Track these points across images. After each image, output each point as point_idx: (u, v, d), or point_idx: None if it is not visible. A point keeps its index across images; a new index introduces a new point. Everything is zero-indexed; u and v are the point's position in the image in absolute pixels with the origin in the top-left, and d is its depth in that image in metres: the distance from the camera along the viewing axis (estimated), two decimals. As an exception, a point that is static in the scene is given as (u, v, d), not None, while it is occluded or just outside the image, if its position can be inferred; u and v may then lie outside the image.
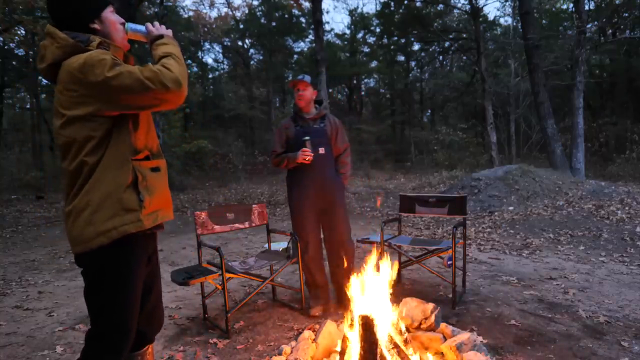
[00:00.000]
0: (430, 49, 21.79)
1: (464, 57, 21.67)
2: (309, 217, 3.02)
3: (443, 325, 2.32)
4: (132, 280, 1.42)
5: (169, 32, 1.53)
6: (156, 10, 14.57)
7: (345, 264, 3.08)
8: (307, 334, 2.26)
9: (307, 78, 3.03)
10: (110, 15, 1.46)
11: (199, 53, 24.16)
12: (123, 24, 1.49)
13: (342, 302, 2.98)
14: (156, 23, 1.55)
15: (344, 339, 1.89)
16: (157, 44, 1.47)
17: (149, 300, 1.60)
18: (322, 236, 3.15)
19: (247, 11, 21.86)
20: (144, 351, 1.65)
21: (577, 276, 3.76)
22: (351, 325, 1.89)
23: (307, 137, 2.91)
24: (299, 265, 3.03)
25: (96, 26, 1.43)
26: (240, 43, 23.03)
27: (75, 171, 1.35)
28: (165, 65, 1.34)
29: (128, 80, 1.27)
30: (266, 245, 3.48)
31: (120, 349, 1.41)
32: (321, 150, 3.00)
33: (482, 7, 17.81)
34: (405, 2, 18.35)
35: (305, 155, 2.87)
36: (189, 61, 23.61)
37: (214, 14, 34.82)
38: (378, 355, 1.71)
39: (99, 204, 1.33)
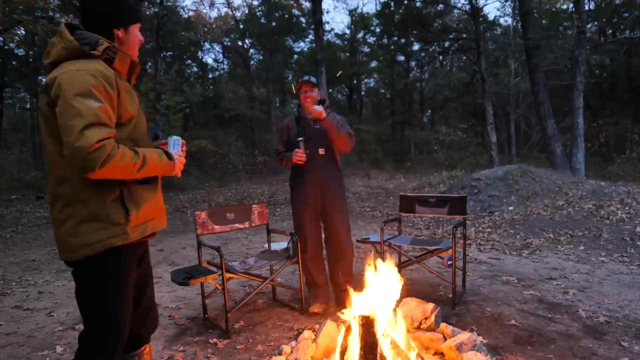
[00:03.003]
0: (430, 49, 21.76)
1: (464, 57, 21.67)
2: (307, 217, 3.04)
3: (443, 325, 2.32)
4: (122, 285, 1.43)
5: (175, 159, 1.54)
6: (156, 10, 14.56)
7: (344, 264, 3.09)
8: (307, 334, 2.26)
9: (314, 79, 3.06)
10: (136, 30, 1.52)
11: (199, 53, 24.19)
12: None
13: (341, 302, 2.98)
14: (177, 153, 1.57)
15: (344, 339, 1.89)
16: (160, 152, 1.48)
17: (142, 301, 1.60)
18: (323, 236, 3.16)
19: (247, 11, 21.86)
20: (141, 351, 1.66)
21: (577, 276, 3.76)
22: (351, 325, 1.89)
23: (300, 138, 2.92)
24: (299, 265, 3.03)
25: (119, 34, 1.47)
26: (240, 43, 23.02)
27: (50, 163, 1.37)
28: (125, 153, 1.30)
29: (78, 121, 1.22)
30: (266, 245, 3.48)
31: (113, 350, 1.43)
32: (321, 151, 3.00)
33: (482, 7, 17.83)
34: (405, 2, 18.36)
35: (298, 156, 2.89)
36: (189, 61, 23.63)
37: (214, 14, 34.83)
38: (378, 355, 1.71)
39: (83, 217, 1.33)
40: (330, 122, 2.87)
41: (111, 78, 1.33)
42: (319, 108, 2.84)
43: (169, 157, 1.50)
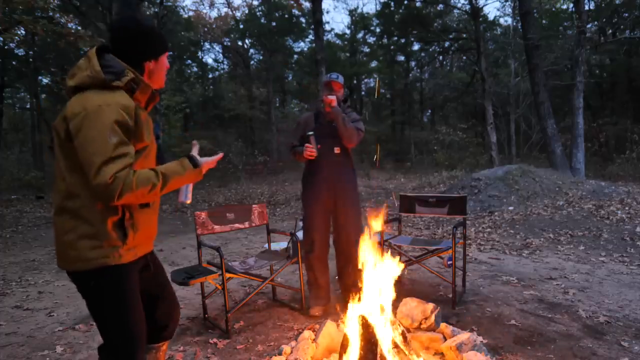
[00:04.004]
0: (430, 49, 21.77)
1: (464, 57, 21.67)
2: (318, 216, 3.00)
3: (443, 325, 2.32)
4: (125, 293, 1.43)
5: (201, 164, 1.48)
6: (156, 10, 14.57)
7: (353, 265, 3.07)
8: (307, 334, 2.26)
9: (341, 79, 3.04)
10: (164, 59, 1.54)
11: (199, 53, 24.18)
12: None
13: (346, 303, 2.97)
14: (207, 161, 1.52)
15: (344, 339, 1.89)
16: (183, 161, 1.45)
17: (163, 296, 1.66)
18: (331, 236, 3.13)
19: (247, 11, 21.86)
20: (159, 346, 1.71)
21: (577, 276, 3.76)
22: (351, 325, 1.89)
23: (310, 133, 2.87)
24: (299, 265, 3.03)
25: (150, 65, 1.48)
26: (240, 43, 23.01)
27: (59, 176, 1.38)
28: (140, 178, 1.29)
29: (97, 157, 1.24)
30: (266, 245, 3.48)
31: (131, 353, 1.44)
32: (336, 150, 2.96)
33: (482, 7, 17.84)
34: (405, 2, 18.36)
35: (308, 151, 2.85)
36: (189, 61, 23.62)
37: (214, 14, 34.81)
38: (378, 355, 1.71)
39: (85, 233, 1.35)
40: (337, 113, 2.84)
41: (131, 109, 1.34)
42: (332, 97, 2.83)
43: (195, 164, 1.46)
